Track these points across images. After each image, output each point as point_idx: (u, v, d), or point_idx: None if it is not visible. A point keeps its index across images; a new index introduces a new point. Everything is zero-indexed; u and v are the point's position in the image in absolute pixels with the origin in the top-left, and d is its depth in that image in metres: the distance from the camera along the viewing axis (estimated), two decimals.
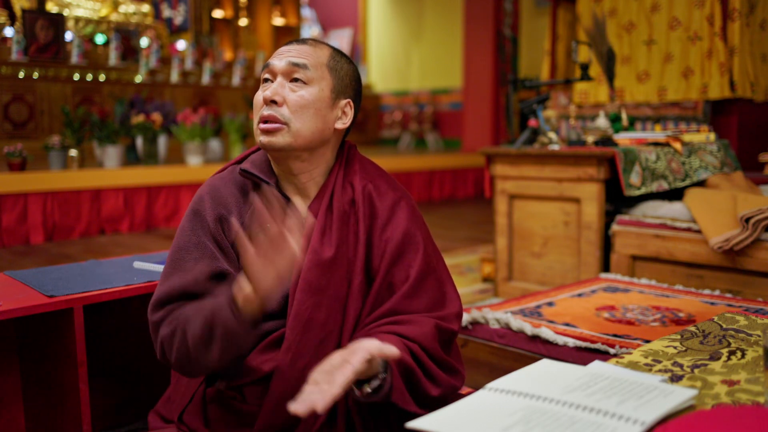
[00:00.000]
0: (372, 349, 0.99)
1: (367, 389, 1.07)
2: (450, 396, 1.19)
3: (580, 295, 2.37)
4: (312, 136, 1.22)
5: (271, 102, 1.19)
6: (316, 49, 1.24)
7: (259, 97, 1.22)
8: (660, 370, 1.05)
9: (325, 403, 0.92)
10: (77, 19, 7.61)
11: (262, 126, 1.20)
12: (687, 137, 3.24)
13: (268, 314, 1.20)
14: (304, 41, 1.26)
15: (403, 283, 1.21)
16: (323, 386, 0.96)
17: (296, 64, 1.21)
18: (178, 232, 1.23)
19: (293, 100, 1.20)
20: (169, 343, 1.14)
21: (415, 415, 1.17)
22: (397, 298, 1.21)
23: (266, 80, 1.23)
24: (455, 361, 1.24)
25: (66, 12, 7.40)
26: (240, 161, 1.33)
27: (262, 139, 1.20)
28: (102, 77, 7.12)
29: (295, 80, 1.21)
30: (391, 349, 0.99)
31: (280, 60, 1.22)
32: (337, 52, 1.28)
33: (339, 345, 1.18)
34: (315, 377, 0.98)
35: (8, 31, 6.85)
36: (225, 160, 6.47)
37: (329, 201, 1.24)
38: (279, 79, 1.21)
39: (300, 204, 1.26)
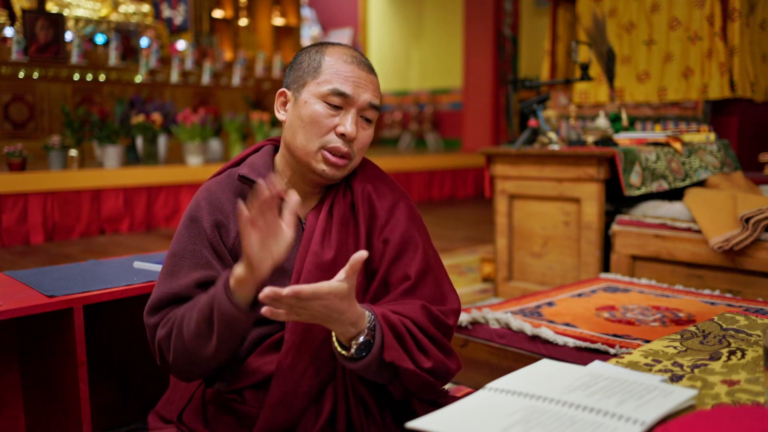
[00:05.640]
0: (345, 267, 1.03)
1: (354, 345, 1.07)
2: (444, 378, 1.18)
3: (580, 295, 2.37)
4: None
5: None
6: (376, 78, 1.25)
7: (325, 120, 1.19)
8: (660, 370, 1.05)
9: (290, 290, 0.96)
10: (77, 19, 7.60)
11: (333, 159, 1.19)
12: (687, 137, 3.24)
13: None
14: (370, 68, 1.24)
15: (401, 282, 1.22)
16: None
17: (373, 106, 1.22)
18: (175, 238, 1.23)
19: (362, 140, 1.22)
20: (167, 344, 1.15)
21: (415, 415, 1.17)
22: (395, 296, 1.21)
23: (335, 106, 1.19)
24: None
25: (66, 12, 7.40)
26: (238, 163, 1.31)
27: (327, 169, 1.20)
28: (102, 77, 7.12)
29: (363, 116, 1.22)
30: (361, 252, 1.02)
31: (358, 94, 1.20)
32: None
33: None
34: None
35: (8, 31, 6.84)
36: (225, 160, 6.47)
37: (330, 206, 1.25)
38: (354, 113, 1.20)
39: (300, 208, 1.26)
